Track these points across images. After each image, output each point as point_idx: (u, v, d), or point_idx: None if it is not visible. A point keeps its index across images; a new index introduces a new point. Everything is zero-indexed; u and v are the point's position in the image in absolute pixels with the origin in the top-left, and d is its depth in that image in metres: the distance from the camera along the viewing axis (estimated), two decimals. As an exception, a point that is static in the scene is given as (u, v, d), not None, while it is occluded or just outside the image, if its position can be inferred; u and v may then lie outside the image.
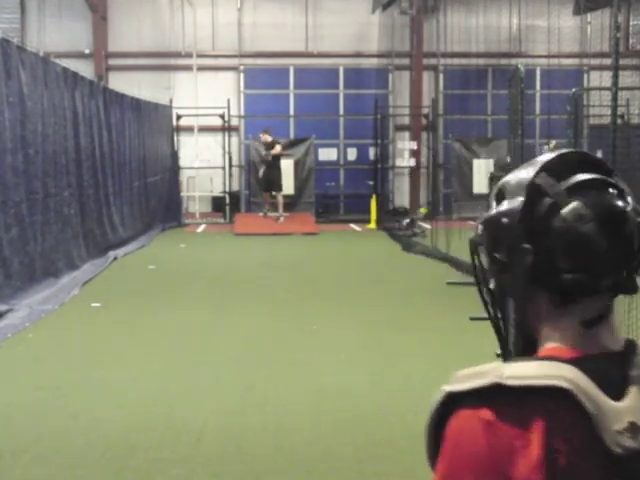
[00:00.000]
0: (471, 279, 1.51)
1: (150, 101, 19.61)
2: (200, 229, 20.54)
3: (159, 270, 13.34)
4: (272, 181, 19.88)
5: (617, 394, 1.26)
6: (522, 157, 11.16)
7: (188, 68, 22.45)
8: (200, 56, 22.48)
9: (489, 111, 23.56)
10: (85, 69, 18.57)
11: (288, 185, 21.17)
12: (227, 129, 22.51)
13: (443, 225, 14.77)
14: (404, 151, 22.85)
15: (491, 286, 1.45)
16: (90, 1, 21.49)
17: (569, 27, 21.55)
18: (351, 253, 15.81)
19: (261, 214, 20.50)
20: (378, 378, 6.92)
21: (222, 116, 22.39)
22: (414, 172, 23.32)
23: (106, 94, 15.65)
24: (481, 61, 22.49)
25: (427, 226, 18.20)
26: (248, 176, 22.77)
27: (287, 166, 21.27)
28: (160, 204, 19.91)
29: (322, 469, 5.00)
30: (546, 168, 1.37)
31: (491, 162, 21.86)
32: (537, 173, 1.36)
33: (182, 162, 22.50)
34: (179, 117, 22.42)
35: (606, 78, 9.38)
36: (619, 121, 9.15)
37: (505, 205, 1.37)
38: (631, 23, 15.78)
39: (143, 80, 21.65)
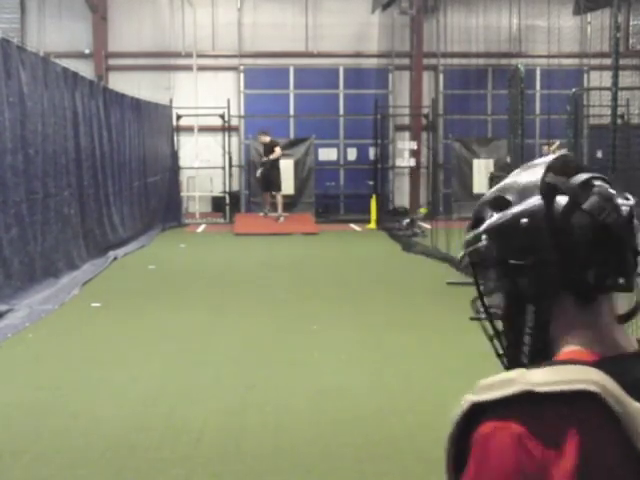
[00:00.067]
0: (471, 279, 1.50)
1: (150, 101, 19.61)
2: (200, 229, 20.54)
3: (159, 270, 13.34)
4: (271, 181, 19.89)
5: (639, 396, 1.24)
6: (522, 157, 11.17)
7: (188, 68, 22.45)
8: (200, 56, 22.48)
9: (489, 111, 23.56)
10: (85, 69, 18.57)
11: (288, 185, 21.18)
12: (227, 129, 22.51)
13: (443, 225, 14.76)
14: (404, 151, 22.85)
15: (494, 300, 1.42)
16: (90, 1, 21.49)
17: (569, 27, 21.55)
18: (351, 253, 15.81)
19: (261, 214, 20.51)
20: (378, 378, 6.92)
21: (222, 116, 22.39)
22: (414, 172, 23.32)
23: (106, 94, 15.65)
24: (481, 61, 22.48)
25: (427, 226, 18.19)
26: (248, 176, 22.77)
27: (287, 166, 21.28)
28: (160, 204, 19.91)
29: (322, 469, 5.00)
30: (551, 168, 1.38)
31: (491, 162, 21.87)
32: (545, 173, 1.37)
33: (182, 162, 22.50)
34: (179, 117, 22.42)
35: (606, 78, 9.39)
36: (619, 121, 9.15)
37: (519, 207, 1.35)
38: (631, 23, 15.78)
39: (143, 80, 21.65)
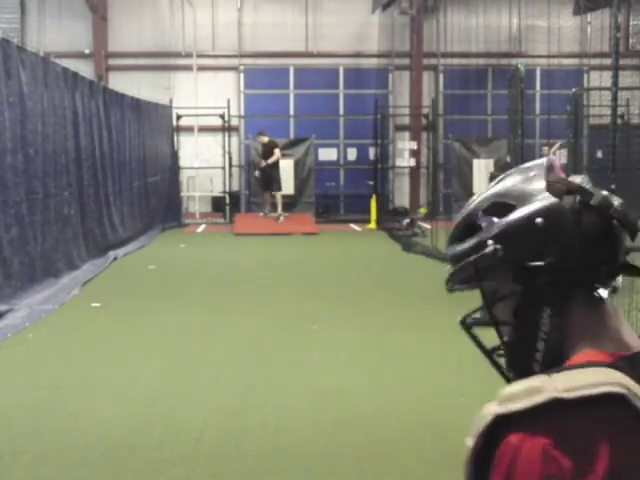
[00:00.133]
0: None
1: (150, 101, 19.61)
2: (200, 229, 20.54)
3: (159, 270, 13.34)
4: (271, 180, 19.91)
5: None
6: (522, 157, 11.17)
7: (188, 68, 22.46)
8: (200, 56, 22.48)
9: (489, 111, 23.56)
10: (85, 69, 18.57)
11: (288, 185, 21.19)
12: (227, 129, 22.51)
13: (443, 225, 14.74)
14: (404, 151, 22.85)
15: (503, 314, 1.38)
16: (90, 1, 21.49)
17: (569, 27, 21.56)
18: (351, 253, 15.81)
19: (261, 214, 20.52)
20: (378, 378, 6.92)
21: (222, 116, 22.39)
22: (414, 172, 23.32)
23: (106, 94, 15.65)
24: (481, 61, 22.50)
25: (427, 226, 18.19)
26: (248, 176, 22.77)
27: (287, 166, 21.29)
28: (160, 204, 19.91)
29: (322, 469, 5.00)
30: (549, 171, 1.39)
31: (491, 162, 21.87)
32: (548, 174, 1.38)
33: (182, 162, 22.50)
34: (179, 117, 22.42)
35: (606, 78, 9.39)
36: (619, 121, 9.15)
37: (530, 208, 1.33)
38: (631, 23, 15.79)
39: (143, 80, 21.66)
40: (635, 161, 10.32)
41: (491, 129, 23.59)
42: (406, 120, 23.78)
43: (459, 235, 1.42)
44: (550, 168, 1.39)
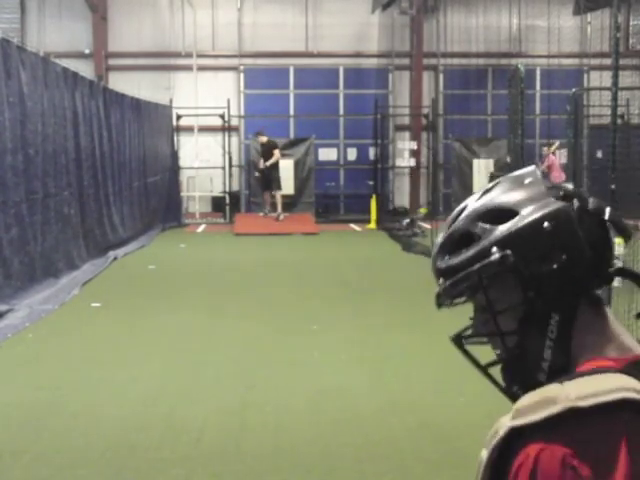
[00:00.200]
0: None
1: (150, 101, 19.61)
2: (200, 229, 20.54)
3: (159, 270, 13.34)
4: (271, 179, 19.92)
5: None
6: (522, 157, 11.17)
7: (188, 68, 22.45)
8: (200, 56, 22.48)
9: (489, 111, 23.56)
10: (85, 69, 18.57)
11: (288, 185, 21.20)
12: (227, 129, 22.51)
13: (443, 225, 14.74)
14: (404, 151, 22.85)
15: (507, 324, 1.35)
16: (90, 1, 21.49)
17: (569, 27, 21.57)
18: (351, 253, 15.81)
19: (261, 214, 20.52)
20: (378, 378, 6.92)
21: (222, 116, 22.39)
22: (414, 172, 23.32)
23: (106, 94, 15.65)
24: (481, 61, 22.52)
25: (427, 226, 18.19)
26: (248, 176, 22.78)
27: (287, 166, 21.30)
28: (160, 204, 19.91)
29: (322, 469, 5.00)
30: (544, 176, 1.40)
31: (491, 162, 21.89)
32: (544, 180, 1.37)
33: (182, 162, 22.50)
34: (179, 117, 22.42)
35: (606, 78, 9.39)
36: (619, 121, 9.15)
37: (536, 213, 1.31)
38: (631, 23, 15.79)
39: (143, 80, 21.65)
40: (635, 161, 10.32)
41: (491, 129, 23.59)
42: (406, 120, 23.78)
43: (451, 246, 1.38)
44: (544, 174, 1.40)
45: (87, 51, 22.36)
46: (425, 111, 23.12)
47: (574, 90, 14.60)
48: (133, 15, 22.41)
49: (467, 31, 22.39)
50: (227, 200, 22.34)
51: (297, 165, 22.23)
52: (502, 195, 1.37)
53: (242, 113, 23.22)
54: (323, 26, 22.94)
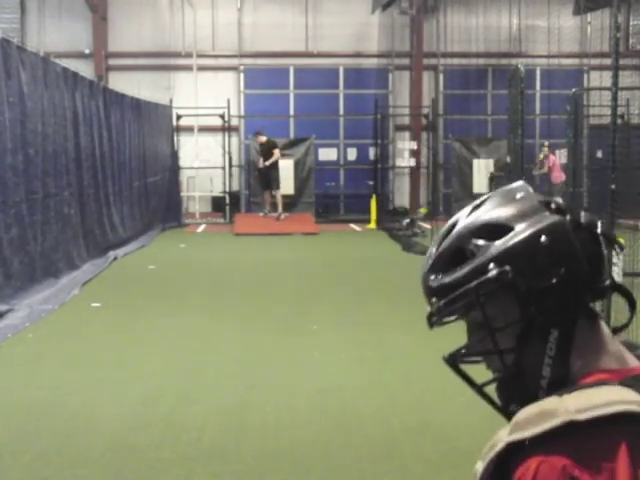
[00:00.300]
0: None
1: (150, 101, 19.61)
2: (200, 229, 20.54)
3: (159, 270, 13.34)
4: (271, 179, 19.93)
5: None
6: (522, 157, 11.16)
7: (188, 68, 22.46)
8: (200, 56, 22.48)
9: (489, 111, 23.56)
10: (85, 69, 18.57)
11: (288, 185, 21.21)
12: (227, 129, 22.52)
13: (443, 225, 14.74)
14: (404, 151, 22.86)
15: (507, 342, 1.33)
16: (90, 1, 21.49)
17: (569, 27, 21.57)
18: (351, 253, 15.81)
19: (261, 214, 20.52)
20: (378, 378, 6.92)
21: (222, 116, 22.39)
22: (414, 172, 23.33)
23: (106, 94, 15.65)
24: (481, 61, 22.52)
25: (427, 226, 18.20)
26: (248, 176, 22.79)
27: (287, 166, 21.30)
28: (160, 204, 19.92)
29: (322, 469, 5.00)
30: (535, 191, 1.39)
31: (491, 162, 21.88)
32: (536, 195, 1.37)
33: (182, 162, 22.51)
34: (179, 117, 22.42)
35: (606, 78, 9.38)
36: (619, 121, 9.14)
37: (533, 227, 1.29)
38: (631, 23, 15.80)
39: (143, 80, 21.66)
40: (635, 161, 10.31)
41: (491, 129, 23.60)
42: (406, 120, 23.78)
43: (444, 264, 1.36)
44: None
45: (87, 51, 22.36)
46: (425, 111, 23.12)
47: (574, 90, 14.59)
48: (133, 15, 22.41)
49: (467, 31, 22.40)
50: (227, 200, 22.34)
51: (297, 165, 22.23)
52: (494, 210, 1.34)
53: (242, 113, 23.23)
54: (323, 26, 22.94)
